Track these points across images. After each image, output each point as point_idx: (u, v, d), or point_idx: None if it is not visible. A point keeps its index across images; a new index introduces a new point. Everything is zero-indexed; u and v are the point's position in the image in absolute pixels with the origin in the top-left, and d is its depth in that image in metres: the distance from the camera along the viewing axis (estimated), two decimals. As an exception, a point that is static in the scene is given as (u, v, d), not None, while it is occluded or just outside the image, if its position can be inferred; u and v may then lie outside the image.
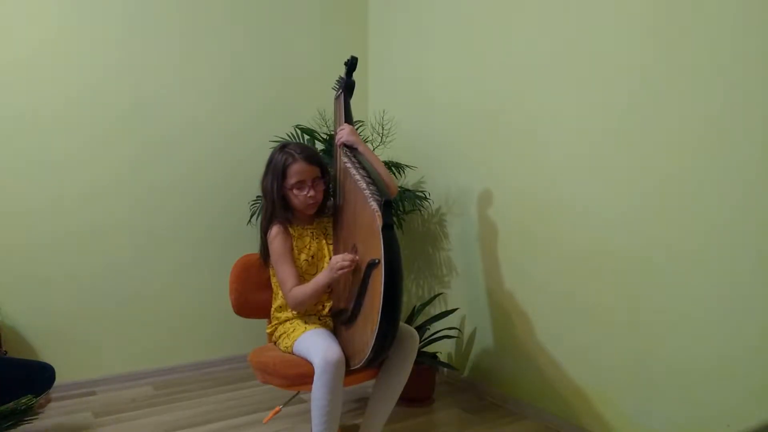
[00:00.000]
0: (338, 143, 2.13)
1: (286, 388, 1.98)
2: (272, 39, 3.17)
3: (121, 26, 2.79)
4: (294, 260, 2.04)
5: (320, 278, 1.92)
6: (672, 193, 1.97)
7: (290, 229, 2.06)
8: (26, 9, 2.59)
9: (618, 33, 2.10)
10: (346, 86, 2.18)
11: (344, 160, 2.05)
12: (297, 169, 1.98)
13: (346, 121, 2.16)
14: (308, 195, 2.01)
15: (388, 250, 1.67)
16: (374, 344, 1.70)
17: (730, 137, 1.80)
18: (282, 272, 1.99)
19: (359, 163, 1.98)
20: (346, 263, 1.82)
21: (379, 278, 1.68)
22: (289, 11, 3.20)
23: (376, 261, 1.70)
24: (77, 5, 2.69)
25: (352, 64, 2.17)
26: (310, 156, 2.02)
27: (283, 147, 2.05)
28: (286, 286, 1.98)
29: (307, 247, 2.07)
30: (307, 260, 2.06)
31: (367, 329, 1.75)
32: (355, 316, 1.85)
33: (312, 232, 2.10)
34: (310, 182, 2.01)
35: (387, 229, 1.69)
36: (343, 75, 2.19)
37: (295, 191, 2.00)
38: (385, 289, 1.65)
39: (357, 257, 1.85)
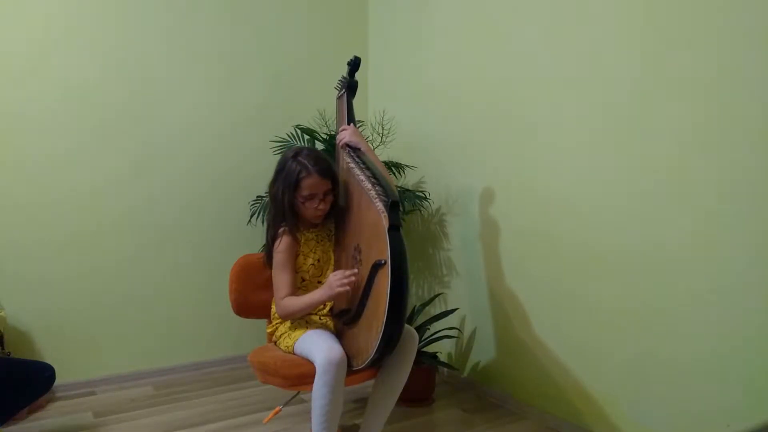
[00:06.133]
0: (340, 144, 2.12)
1: (287, 388, 1.98)
2: (272, 39, 3.17)
3: (119, 25, 2.79)
4: (295, 269, 2.02)
5: (316, 295, 1.90)
6: (672, 193, 1.97)
7: (297, 234, 2.04)
8: (25, 9, 2.59)
9: (618, 33, 2.10)
10: (349, 86, 2.17)
11: (347, 161, 2.04)
12: (310, 183, 1.94)
13: (348, 121, 2.16)
14: (317, 207, 1.98)
15: (394, 251, 1.67)
16: (379, 345, 1.69)
17: (729, 137, 1.80)
18: (279, 279, 1.98)
19: (363, 163, 1.97)
20: (346, 282, 1.80)
21: (384, 279, 1.67)
22: (289, 11, 3.20)
23: (382, 262, 1.70)
24: (75, 5, 2.68)
25: (355, 64, 2.17)
26: (324, 169, 1.96)
27: (296, 155, 1.98)
28: (280, 293, 1.96)
29: (313, 251, 2.07)
30: (313, 264, 2.06)
31: (371, 330, 1.75)
32: (358, 316, 1.85)
33: (317, 235, 2.10)
34: (321, 195, 1.98)
35: (393, 230, 1.69)
36: (345, 75, 2.19)
37: (305, 203, 1.98)
38: (391, 291, 1.65)
39: (356, 271, 1.84)
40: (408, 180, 3.15)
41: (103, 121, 2.79)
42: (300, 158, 1.97)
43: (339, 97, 2.23)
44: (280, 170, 2.00)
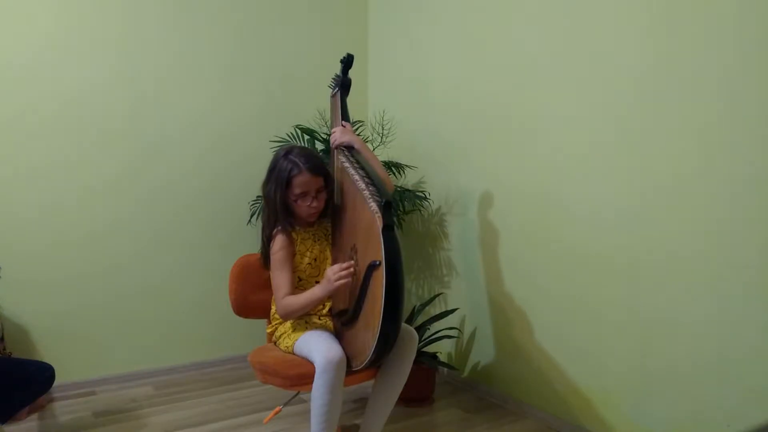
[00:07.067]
0: (333, 145, 2.12)
1: (287, 388, 1.98)
2: (272, 39, 3.17)
3: (119, 26, 2.79)
4: (293, 268, 2.01)
5: (316, 291, 1.88)
6: (672, 193, 1.96)
7: (293, 234, 2.04)
8: (25, 10, 2.59)
9: (619, 33, 2.10)
10: (342, 84, 2.16)
11: (342, 160, 2.04)
12: (302, 181, 1.94)
13: (342, 119, 2.15)
14: (311, 205, 1.98)
15: (388, 251, 1.66)
16: (376, 346, 1.69)
17: (729, 138, 1.80)
18: (278, 278, 1.97)
19: (357, 162, 1.97)
20: (344, 273, 1.79)
21: (379, 280, 1.67)
22: (288, 11, 3.20)
23: (377, 263, 1.69)
24: (76, 5, 2.69)
25: (348, 62, 2.15)
26: (315, 167, 1.96)
27: (287, 153, 1.98)
28: (280, 292, 1.95)
29: (309, 250, 2.06)
30: (310, 264, 2.05)
31: (368, 330, 1.75)
32: (355, 317, 1.84)
33: (314, 234, 2.09)
34: (313, 193, 1.97)
35: (387, 230, 1.69)
36: (339, 73, 2.18)
37: (298, 202, 1.98)
38: (386, 291, 1.64)
39: (354, 263, 1.83)
40: (408, 180, 3.15)
41: (103, 122, 2.79)
42: (291, 156, 1.96)
43: (333, 96, 2.22)
44: (272, 169, 2.00)
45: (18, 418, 2.45)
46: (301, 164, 1.94)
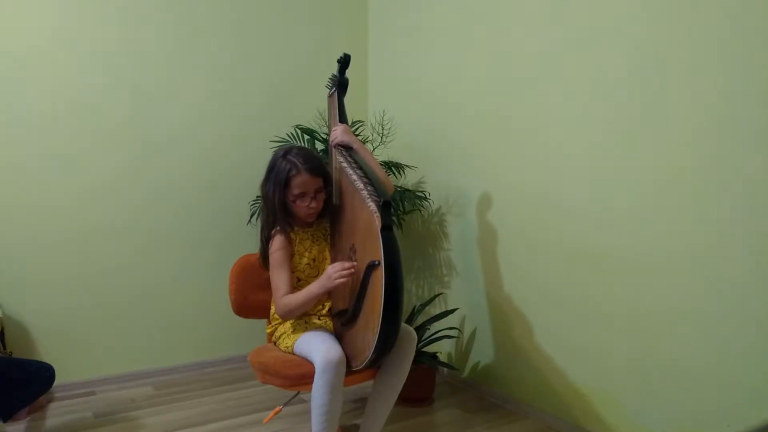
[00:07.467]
0: (333, 144, 2.12)
1: (287, 388, 1.98)
2: (272, 39, 3.17)
3: (119, 27, 2.79)
4: (292, 268, 2.02)
5: (313, 288, 1.87)
6: (672, 193, 1.96)
7: (291, 234, 2.04)
8: (25, 11, 2.59)
9: (619, 33, 2.10)
10: (340, 84, 2.16)
11: (340, 160, 2.04)
12: (300, 182, 1.94)
13: (340, 120, 2.14)
14: (309, 206, 1.98)
15: (387, 251, 1.66)
16: (376, 346, 1.69)
17: (729, 137, 1.80)
18: (277, 278, 1.97)
19: (356, 162, 1.97)
20: (345, 273, 1.78)
21: (379, 280, 1.67)
22: (288, 11, 3.20)
23: (376, 263, 1.69)
24: (76, 6, 2.69)
25: (344, 62, 2.16)
26: (313, 167, 1.95)
27: (286, 153, 1.98)
28: (279, 292, 1.95)
29: (308, 250, 2.06)
30: (308, 264, 2.05)
31: (368, 330, 1.74)
32: (355, 317, 1.84)
33: (312, 235, 2.09)
34: (312, 193, 1.97)
35: (386, 230, 1.68)
36: (336, 73, 2.18)
37: (297, 202, 1.98)
38: (385, 291, 1.64)
39: (355, 263, 1.83)
40: (408, 180, 3.15)
41: (103, 121, 2.79)
42: (290, 156, 1.96)
43: (330, 96, 2.22)
44: (271, 169, 1.99)
45: (18, 417, 2.46)
46: (299, 164, 1.94)
